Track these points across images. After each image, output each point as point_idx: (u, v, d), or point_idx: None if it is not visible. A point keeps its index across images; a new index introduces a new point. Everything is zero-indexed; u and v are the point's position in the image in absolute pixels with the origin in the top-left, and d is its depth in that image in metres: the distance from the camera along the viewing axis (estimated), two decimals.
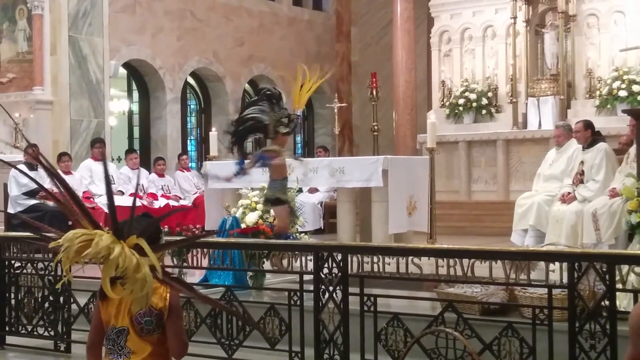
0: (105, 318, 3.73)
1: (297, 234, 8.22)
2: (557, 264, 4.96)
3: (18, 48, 14.46)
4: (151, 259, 3.41)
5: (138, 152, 15.47)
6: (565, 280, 4.89)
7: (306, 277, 5.89)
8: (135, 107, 17.69)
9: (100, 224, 3.53)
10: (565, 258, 4.92)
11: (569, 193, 9.76)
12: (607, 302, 4.77)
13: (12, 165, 9.12)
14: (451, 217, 12.99)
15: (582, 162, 9.81)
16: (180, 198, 14.43)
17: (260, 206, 8.18)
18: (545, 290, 5.07)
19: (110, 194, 3.68)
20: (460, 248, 5.32)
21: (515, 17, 14.17)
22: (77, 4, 14.29)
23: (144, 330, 3.65)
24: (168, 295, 3.65)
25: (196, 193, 14.49)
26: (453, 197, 14.26)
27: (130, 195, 12.75)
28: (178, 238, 5.32)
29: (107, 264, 3.38)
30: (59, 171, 3.76)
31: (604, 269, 4.75)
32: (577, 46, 13.94)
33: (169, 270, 6.53)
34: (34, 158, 11.58)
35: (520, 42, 14.30)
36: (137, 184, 13.50)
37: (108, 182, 3.76)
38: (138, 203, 12.72)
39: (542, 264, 5.10)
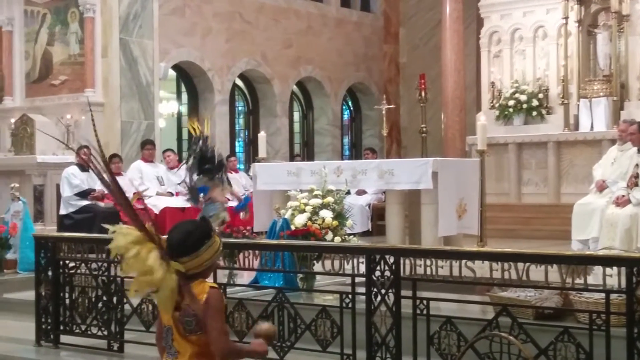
0: (160, 316, 3.80)
1: (346, 236, 8.21)
2: (614, 268, 4.88)
3: (70, 51, 14.62)
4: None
5: (175, 150, 15.45)
6: (623, 285, 4.81)
7: (358, 280, 5.87)
8: (184, 109, 17.81)
9: (146, 225, 3.64)
10: (624, 263, 4.83)
11: (623, 196, 9.63)
12: None
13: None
14: (501, 220, 12.88)
15: (637, 165, 9.66)
16: (228, 200, 14.46)
17: (309, 208, 8.18)
18: (602, 295, 4.99)
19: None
20: (515, 252, 5.26)
21: (566, 18, 14.01)
22: (128, 6, 14.42)
23: (186, 330, 3.66)
24: (206, 295, 3.65)
25: (244, 194, 14.52)
26: (503, 200, 14.14)
27: (177, 194, 12.77)
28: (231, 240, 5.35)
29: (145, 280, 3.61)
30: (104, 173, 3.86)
31: None
32: (631, 46, 13.74)
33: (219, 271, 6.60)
34: (85, 161, 11.72)
35: (572, 43, 14.12)
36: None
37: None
38: (187, 204, 12.90)
39: (597, 268, 5.02)
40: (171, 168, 13.81)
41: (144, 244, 3.60)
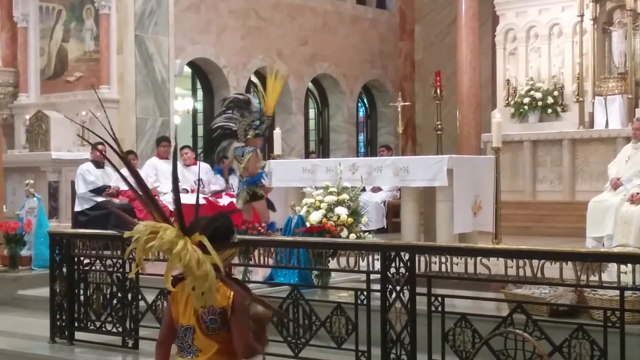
0: (174, 316, 3.76)
1: (361, 233, 8.21)
2: (629, 265, 4.87)
3: (85, 47, 14.66)
4: (214, 257, 3.44)
5: (191, 147, 15.47)
6: (637, 282, 4.80)
7: (373, 277, 5.87)
8: (200, 106, 17.84)
9: (170, 219, 3.58)
10: (638, 260, 4.83)
11: (638, 193, 9.59)
12: None
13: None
14: (516, 217, 12.86)
15: None
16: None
17: (324, 205, 8.19)
18: (617, 292, 4.98)
19: (177, 190, 3.75)
20: (530, 249, 5.26)
21: (582, 15, 13.97)
22: (143, 3, 14.44)
23: (209, 328, 3.66)
24: (231, 294, 3.66)
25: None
26: (518, 197, 14.11)
27: (192, 190, 12.80)
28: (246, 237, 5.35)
29: (169, 258, 3.44)
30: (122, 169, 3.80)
31: None
32: None
33: (234, 268, 6.61)
34: (101, 155, 11.76)
35: (587, 41, 14.08)
36: (198, 179, 13.52)
37: (176, 178, 3.81)
38: (201, 200, 12.92)
39: (612, 265, 5.01)
40: (188, 165, 13.83)
41: (183, 238, 3.51)
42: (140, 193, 3.68)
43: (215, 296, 3.55)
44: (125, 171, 3.84)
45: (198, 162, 14.33)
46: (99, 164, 12.06)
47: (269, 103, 9.16)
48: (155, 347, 3.91)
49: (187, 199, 12.60)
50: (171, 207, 12.73)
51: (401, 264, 5.57)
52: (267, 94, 8.45)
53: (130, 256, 3.61)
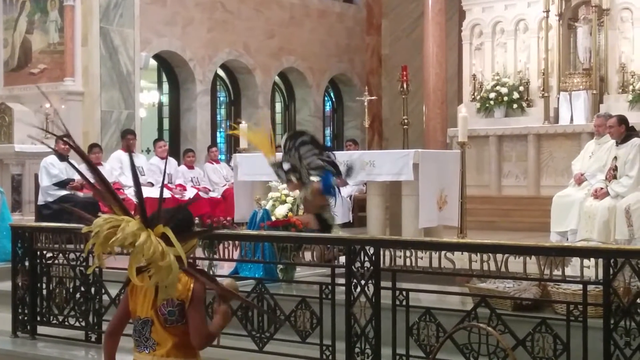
0: (132, 308, 3.73)
1: None
2: (592, 260, 4.90)
3: (49, 39, 14.52)
4: (177, 249, 3.42)
5: (167, 142, 15.50)
6: (600, 276, 4.83)
7: (337, 271, 5.87)
8: (165, 99, 17.74)
9: (131, 212, 3.55)
10: (601, 254, 4.86)
11: (602, 188, 9.67)
12: None
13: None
14: (481, 212, 12.94)
15: (615, 158, 9.71)
16: (209, 190, 14.45)
17: (290, 199, 8.17)
18: (579, 286, 5.02)
19: (137, 182, 3.72)
20: (494, 243, 5.27)
21: (547, 11, 14.07)
22: None
23: (167, 321, 3.64)
24: (192, 285, 3.64)
25: (225, 185, 14.51)
26: (483, 192, 14.20)
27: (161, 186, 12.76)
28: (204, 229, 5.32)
29: (133, 251, 3.41)
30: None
31: None
32: (611, 40, 13.81)
33: (199, 262, 6.57)
34: (68, 147, 11.64)
35: (553, 36, 14.19)
36: (164, 172, 13.50)
37: (135, 171, 3.78)
38: (167, 194, 12.87)
39: (575, 260, 5.04)
40: (162, 158, 13.82)
41: (146, 230, 3.48)
42: (99, 187, 3.63)
43: (178, 288, 3.53)
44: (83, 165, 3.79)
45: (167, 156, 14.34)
46: (63, 157, 11.95)
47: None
48: (104, 338, 3.88)
49: (151, 192, 12.58)
50: (135, 200, 12.70)
51: (366, 258, 5.57)
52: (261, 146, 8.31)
53: (92, 251, 3.56)
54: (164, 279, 3.43)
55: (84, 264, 7.00)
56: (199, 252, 6.69)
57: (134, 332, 3.71)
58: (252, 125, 8.01)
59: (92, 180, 3.64)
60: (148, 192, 12.89)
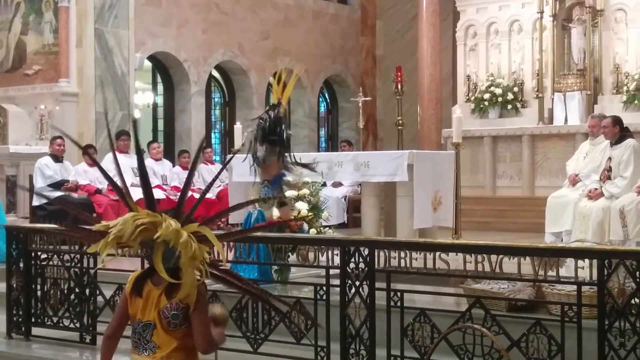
0: (132, 312, 3.70)
1: (322, 228, 8.19)
2: (586, 261, 4.91)
3: (44, 40, 14.51)
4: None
5: (162, 143, 15.50)
6: (594, 277, 4.83)
7: (332, 272, 5.86)
8: (160, 100, 17.74)
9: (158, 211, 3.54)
10: (595, 255, 4.86)
11: (596, 189, 9.69)
12: (637, 300, 4.71)
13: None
14: (475, 213, 12.94)
15: (609, 159, 9.73)
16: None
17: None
18: (574, 287, 5.02)
19: (146, 183, 3.69)
20: (489, 244, 5.27)
21: (541, 12, 14.09)
22: None
23: (170, 324, 3.60)
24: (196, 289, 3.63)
25: (220, 186, 14.49)
26: (478, 193, 14.21)
27: (156, 186, 12.75)
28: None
29: (158, 248, 3.41)
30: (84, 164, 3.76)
31: (634, 267, 4.70)
32: (605, 41, 13.84)
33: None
34: (63, 149, 11.62)
35: (547, 37, 14.21)
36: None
37: (143, 172, 3.77)
38: (162, 195, 12.85)
39: (570, 260, 5.05)
40: (157, 160, 13.82)
41: (183, 228, 3.46)
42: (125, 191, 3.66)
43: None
44: (83, 166, 3.79)
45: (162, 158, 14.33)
46: (57, 158, 11.94)
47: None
48: (103, 341, 3.84)
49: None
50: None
51: (360, 259, 5.56)
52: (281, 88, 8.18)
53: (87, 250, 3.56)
54: (193, 278, 3.46)
55: (79, 265, 6.99)
56: None
57: (133, 334, 3.69)
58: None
59: (119, 184, 3.67)
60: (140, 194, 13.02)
